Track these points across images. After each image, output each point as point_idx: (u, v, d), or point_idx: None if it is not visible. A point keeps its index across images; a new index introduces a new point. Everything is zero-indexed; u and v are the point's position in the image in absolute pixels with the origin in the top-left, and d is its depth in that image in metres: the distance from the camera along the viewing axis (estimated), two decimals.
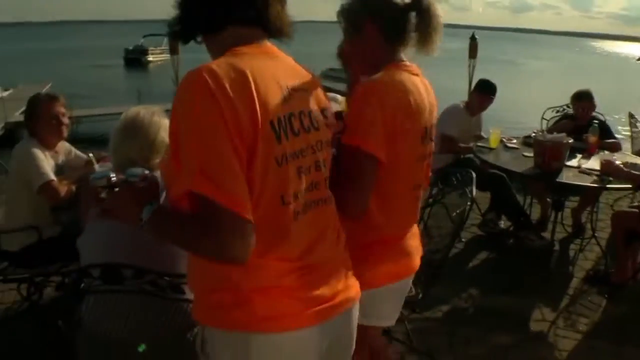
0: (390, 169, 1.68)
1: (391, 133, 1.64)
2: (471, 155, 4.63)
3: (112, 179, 1.40)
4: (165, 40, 46.33)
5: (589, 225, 4.73)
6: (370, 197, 1.68)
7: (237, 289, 1.29)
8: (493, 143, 4.61)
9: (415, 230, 1.96)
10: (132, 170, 1.42)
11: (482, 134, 5.02)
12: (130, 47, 53.37)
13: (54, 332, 2.31)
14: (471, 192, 2.79)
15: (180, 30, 1.38)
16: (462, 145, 4.74)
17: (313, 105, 1.40)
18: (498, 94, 4.83)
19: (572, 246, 4.67)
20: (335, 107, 1.66)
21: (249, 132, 1.19)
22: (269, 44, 1.38)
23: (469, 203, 2.79)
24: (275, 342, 1.32)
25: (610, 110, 7.66)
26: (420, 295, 2.80)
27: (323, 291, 1.38)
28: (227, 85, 1.17)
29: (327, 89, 1.60)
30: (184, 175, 1.17)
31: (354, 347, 1.56)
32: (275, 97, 1.26)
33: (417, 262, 1.94)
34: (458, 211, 2.86)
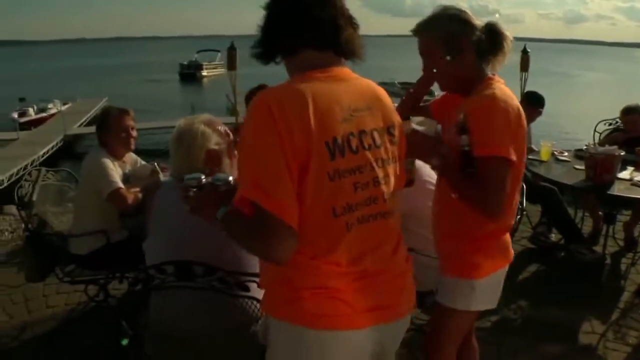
0: (514, 166, 1.89)
1: (514, 136, 1.86)
2: None
3: (202, 181, 1.62)
4: (219, 55, 47.20)
5: None
6: (507, 197, 1.89)
7: (290, 285, 1.44)
8: (544, 156, 4.61)
9: None
10: (218, 175, 1.64)
11: (533, 146, 5.02)
12: (185, 62, 54.71)
13: (118, 332, 2.48)
14: (521, 203, 2.82)
15: (261, 52, 1.53)
16: None
17: (377, 124, 1.52)
18: (551, 106, 4.81)
19: (623, 260, 4.62)
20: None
21: (303, 150, 1.34)
22: (339, 68, 1.51)
23: (518, 215, 2.82)
24: (323, 338, 1.45)
25: None
26: None
27: (373, 298, 1.49)
28: (286, 109, 1.34)
29: None
30: (242, 183, 1.37)
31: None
32: (334, 119, 1.40)
33: (512, 252, 2.16)
34: None
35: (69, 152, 20.32)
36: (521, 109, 1.92)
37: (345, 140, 1.42)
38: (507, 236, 2.12)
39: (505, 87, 1.96)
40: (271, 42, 1.52)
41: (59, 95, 31.02)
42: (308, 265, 1.43)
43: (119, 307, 3.19)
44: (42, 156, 18.39)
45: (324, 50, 1.48)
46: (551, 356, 3.21)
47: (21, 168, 15.38)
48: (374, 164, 1.49)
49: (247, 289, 1.82)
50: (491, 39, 1.95)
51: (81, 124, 24.72)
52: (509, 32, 1.98)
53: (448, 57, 1.93)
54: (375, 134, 1.50)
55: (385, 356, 1.63)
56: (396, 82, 38.55)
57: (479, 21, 1.95)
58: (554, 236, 4.85)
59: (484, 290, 2.07)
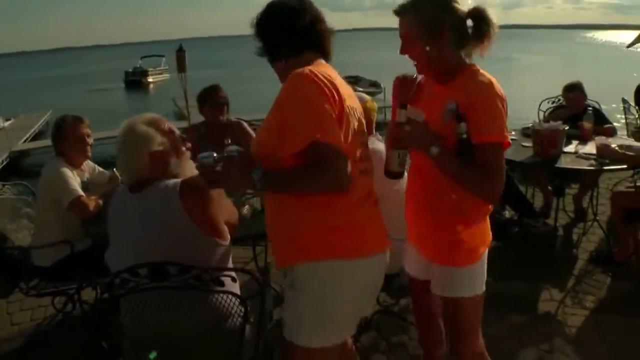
0: None
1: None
2: None
3: (216, 156, 1.77)
4: (164, 60, 46.34)
5: (590, 210, 4.88)
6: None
7: (317, 229, 1.77)
8: None
9: None
10: (230, 148, 1.81)
11: None
12: (130, 70, 53.57)
13: (90, 342, 2.47)
14: None
15: (270, 56, 1.95)
16: None
17: (357, 106, 1.92)
18: (507, 91, 4.98)
19: (575, 230, 4.83)
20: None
21: (338, 110, 1.72)
22: (328, 65, 1.93)
23: None
24: (351, 266, 1.79)
25: (607, 99, 7.82)
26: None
27: (378, 232, 1.91)
28: (322, 79, 1.71)
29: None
30: (299, 135, 1.66)
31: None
32: (346, 92, 1.81)
33: None
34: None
35: (15, 168, 19.70)
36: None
37: (352, 109, 1.81)
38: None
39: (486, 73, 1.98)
40: (282, 46, 1.91)
41: (0, 111, 30.06)
42: (335, 204, 1.76)
43: (91, 315, 3.16)
44: None
45: (316, 53, 1.90)
46: (516, 326, 3.35)
47: None
48: (361, 133, 1.88)
49: (223, 284, 1.85)
50: (475, 25, 1.92)
51: (26, 139, 23.98)
52: (496, 17, 1.92)
53: (427, 43, 1.91)
54: (358, 112, 1.89)
55: (380, 283, 1.98)
56: (342, 76, 38.86)
57: (464, 6, 1.92)
58: (507, 213, 5.03)
59: (482, 271, 2.17)
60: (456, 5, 1.90)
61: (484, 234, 2.15)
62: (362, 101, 2.92)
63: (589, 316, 3.46)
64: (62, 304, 3.36)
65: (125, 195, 2.09)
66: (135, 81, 50.90)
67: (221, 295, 1.90)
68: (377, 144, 2.93)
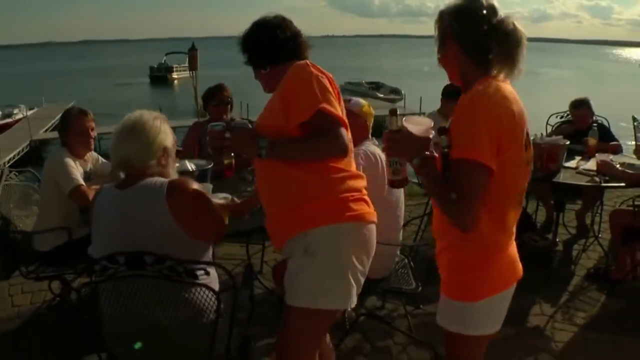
0: (499, 177, 1.73)
1: (497, 142, 1.70)
2: None
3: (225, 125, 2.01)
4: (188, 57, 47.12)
5: (594, 227, 4.87)
6: (481, 208, 1.73)
7: (329, 196, 2.02)
8: None
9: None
10: (237, 121, 2.01)
11: None
12: (155, 65, 54.07)
13: (82, 328, 2.54)
14: None
15: (255, 65, 2.25)
16: None
17: None
18: (525, 104, 5.00)
19: (575, 246, 4.82)
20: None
21: (336, 93, 2.04)
22: None
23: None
24: (359, 228, 2.04)
25: (625, 116, 7.73)
26: (419, 289, 3.01)
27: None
28: (319, 69, 2.06)
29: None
30: (307, 105, 1.94)
31: None
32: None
33: (521, 268, 2.01)
34: None
35: (35, 157, 20.08)
36: (521, 113, 1.79)
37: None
38: (504, 258, 1.93)
39: (504, 86, 1.80)
40: (266, 56, 2.21)
41: (24, 100, 30.54)
42: (337, 179, 2.02)
43: (79, 302, 3.24)
44: (8, 162, 18.15)
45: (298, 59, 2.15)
46: (500, 337, 3.29)
47: None
48: None
49: (196, 277, 1.90)
50: (497, 38, 1.79)
51: (47, 129, 24.42)
52: (521, 29, 1.82)
53: (439, 52, 1.90)
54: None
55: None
56: (363, 81, 39.04)
57: (495, 17, 1.79)
58: None
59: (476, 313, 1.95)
60: (475, 14, 1.79)
61: (482, 271, 1.89)
62: (359, 106, 3.01)
63: (577, 333, 3.45)
64: (58, 289, 3.44)
65: (111, 191, 2.11)
66: (160, 77, 51.45)
67: (196, 288, 1.95)
68: (372, 147, 2.98)
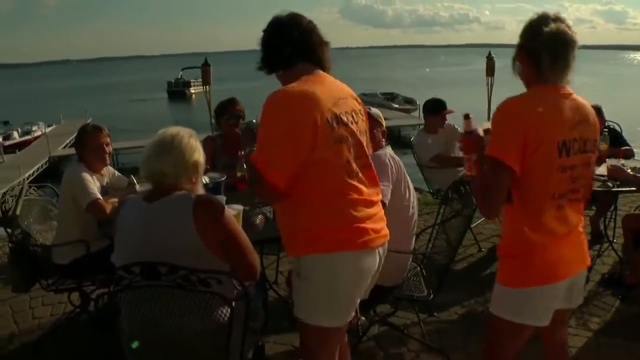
0: (529, 178, 1.93)
1: (523, 143, 1.89)
2: None
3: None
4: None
5: (607, 232, 4.85)
6: (502, 202, 1.96)
7: (320, 227, 2.05)
8: None
9: (569, 239, 2.09)
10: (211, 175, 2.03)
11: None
12: (172, 80, 54.58)
13: (101, 339, 2.60)
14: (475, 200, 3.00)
15: (266, 67, 2.19)
16: (453, 155, 5.06)
17: (352, 107, 2.14)
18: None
19: (589, 252, 4.77)
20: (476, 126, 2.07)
21: (310, 126, 1.94)
22: (321, 73, 2.14)
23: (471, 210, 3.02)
24: (353, 256, 2.07)
25: None
26: (431, 296, 3.04)
27: (366, 226, 2.08)
28: (292, 99, 1.99)
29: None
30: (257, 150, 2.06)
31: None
32: (328, 104, 2.00)
33: (568, 270, 2.09)
34: (461, 211, 3.07)
35: (54, 173, 20.37)
36: (556, 119, 1.94)
37: (339, 117, 2.03)
38: (545, 256, 2.03)
39: (545, 95, 1.97)
40: (274, 59, 2.17)
41: (43, 117, 31.00)
42: (316, 212, 2.05)
43: (98, 313, 3.31)
44: (28, 178, 18.44)
45: (313, 65, 2.13)
46: None
47: (6, 191, 15.39)
48: (356, 133, 2.10)
49: (209, 286, 1.95)
50: (547, 47, 1.96)
51: (66, 145, 24.78)
52: (571, 34, 1.99)
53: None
54: (352, 113, 2.11)
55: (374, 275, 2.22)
56: (378, 92, 39.09)
57: (547, 26, 1.95)
58: None
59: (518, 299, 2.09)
60: (532, 26, 2.01)
61: (519, 261, 2.06)
62: (379, 114, 3.10)
63: (591, 338, 3.44)
64: (78, 300, 3.52)
65: (138, 203, 2.18)
66: (178, 92, 51.95)
67: (209, 297, 1.99)
68: (392, 152, 3.05)
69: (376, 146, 2.91)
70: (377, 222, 2.15)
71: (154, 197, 2.14)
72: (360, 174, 2.10)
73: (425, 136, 5.18)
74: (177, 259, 1.95)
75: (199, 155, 2.23)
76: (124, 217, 2.20)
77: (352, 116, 2.10)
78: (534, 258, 2.02)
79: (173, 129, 2.23)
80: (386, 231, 2.20)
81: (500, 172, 1.91)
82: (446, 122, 5.19)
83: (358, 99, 2.25)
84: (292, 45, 2.10)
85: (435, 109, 5.16)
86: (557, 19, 1.97)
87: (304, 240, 2.08)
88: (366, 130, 2.22)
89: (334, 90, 2.10)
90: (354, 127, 2.09)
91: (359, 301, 2.22)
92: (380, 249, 2.18)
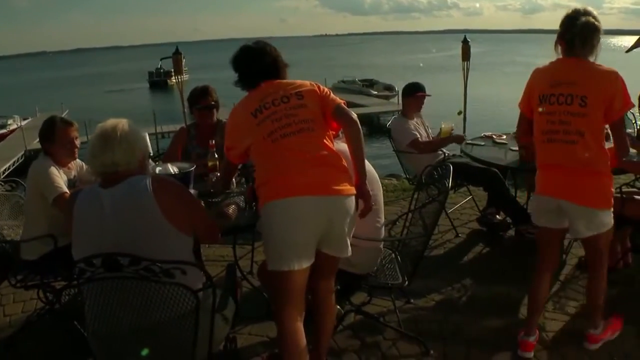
0: (532, 119, 2.96)
1: (528, 95, 2.98)
2: (459, 154, 4.88)
3: None
4: (184, 61, 47.90)
5: None
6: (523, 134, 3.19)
7: (257, 188, 2.58)
8: (443, 134, 5.11)
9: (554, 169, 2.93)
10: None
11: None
12: (153, 70, 54.25)
13: (72, 334, 2.54)
14: (448, 184, 2.98)
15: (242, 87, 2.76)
16: (429, 140, 5.09)
17: (281, 95, 2.61)
18: (515, 95, 5.07)
19: (566, 236, 4.80)
20: None
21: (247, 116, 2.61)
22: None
23: (454, 193, 2.99)
24: (272, 206, 2.46)
25: None
26: (406, 283, 3.01)
27: (310, 179, 2.45)
28: (243, 105, 2.70)
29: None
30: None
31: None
32: (255, 104, 2.64)
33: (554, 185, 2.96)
34: (437, 197, 3.04)
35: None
36: (544, 80, 2.87)
37: (263, 107, 2.61)
38: (540, 174, 3.04)
39: (554, 63, 2.88)
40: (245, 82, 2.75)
41: (18, 110, 30.51)
42: (266, 166, 2.58)
43: (66, 308, 3.24)
44: (4, 172, 18.14)
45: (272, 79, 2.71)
46: (492, 329, 3.36)
47: None
48: (286, 111, 2.58)
49: (173, 276, 1.91)
50: (578, 34, 2.74)
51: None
52: (594, 26, 2.75)
53: None
54: (281, 98, 2.61)
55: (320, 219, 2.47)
56: (357, 79, 39.18)
57: (579, 20, 2.74)
58: (499, 216, 5.03)
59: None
60: (566, 21, 2.81)
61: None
62: None
63: (568, 322, 3.45)
64: (45, 297, 3.44)
65: (93, 191, 2.17)
66: (159, 82, 51.61)
67: (173, 287, 1.96)
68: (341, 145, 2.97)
69: None
70: (314, 175, 2.44)
71: (109, 183, 2.16)
72: (290, 137, 2.50)
73: (402, 120, 5.14)
74: (144, 240, 2.05)
75: (144, 141, 2.33)
76: (81, 206, 2.18)
77: (277, 100, 2.59)
78: (537, 177, 3.05)
79: (111, 121, 2.26)
80: (337, 184, 2.46)
81: (520, 114, 3.10)
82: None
83: (303, 86, 2.68)
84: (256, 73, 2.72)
85: (411, 90, 5.15)
86: (587, 13, 2.75)
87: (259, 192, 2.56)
88: (304, 104, 2.61)
89: (264, 93, 2.65)
90: (276, 107, 2.57)
91: (308, 248, 2.49)
92: (330, 198, 2.44)
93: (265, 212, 2.48)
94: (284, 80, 2.73)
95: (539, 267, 3.20)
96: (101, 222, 2.09)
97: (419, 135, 4.95)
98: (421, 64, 61.91)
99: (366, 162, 2.70)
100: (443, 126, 5.12)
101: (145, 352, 2.04)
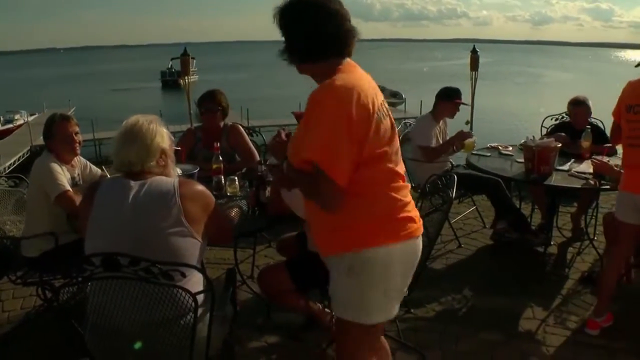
0: None
1: (619, 106, 3.38)
2: (464, 165, 4.84)
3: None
4: (194, 62, 48.12)
5: (587, 230, 4.84)
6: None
7: (371, 218, 1.96)
8: (467, 149, 4.86)
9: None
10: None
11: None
12: (166, 70, 54.64)
13: (71, 332, 2.53)
14: (452, 194, 2.95)
15: (296, 59, 2.02)
16: (435, 146, 4.88)
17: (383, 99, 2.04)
18: (522, 106, 4.96)
19: (570, 249, 4.78)
20: None
21: (364, 122, 1.85)
22: (351, 61, 2.03)
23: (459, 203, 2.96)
24: (403, 247, 2.02)
25: None
26: (407, 292, 2.98)
27: (411, 214, 2.06)
28: (349, 92, 1.83)
29: None
30: (306, 150, 1.86)
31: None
32: (373, 92, 1.94)
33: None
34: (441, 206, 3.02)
35: None
36: (628, 88, 3.30)
37: (380, 111, 1.94)
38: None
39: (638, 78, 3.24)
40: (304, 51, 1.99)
41: (26, 106, 30.63)
42: (378, 194, 2.00)
43: (65, 306, 3.23)
44: (9, 167, 18.19)
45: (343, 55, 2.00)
46: (491, 342, 3.33)
47: None
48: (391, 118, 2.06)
49: (172, 278, 1.90)
50: None
51: None
52: None
53: None
54: (383, 106, 2.01)
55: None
56: None
57: None
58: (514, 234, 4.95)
59: None
60: None
61: None
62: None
63: (569, 337, 3.41)
64: (43, 294, 3.44)
65: (119, 181, 2.19)
66: (171, 81, 52.08)
67: (172, 290, 1.96)
68: None
69: None
70: (415, 210, 2.11)
71: (136, 176, 2.18)
72: (397, 160, 2.05)
73: (429, 121, 5.01)
74: (158, 239, 2.05)
75: (161, 139, 2.26)
76: (104, 193, 2.19)
77: (385, 111, 2.02)
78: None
79: (133, 118, 2.26)
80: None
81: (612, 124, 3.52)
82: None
83: None
84: (332, 36, 1.96)
85: (450, 95, 4.99)
86: None
87: (357, 235, 1.97)
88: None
89: (370, 80, 2.03)
90: (390, 121, 2.04)
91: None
92: (420, 237, 2.12)
93: (384, 256, 2.00)
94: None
95: (616, 255, 3.55)
96: (121, 213, 2.09)
97: (433, 144, 4.88)
98: (425, 69, 61.88)
99: None
100: (467, 141, 4.86)
101: (138, 345, 2.02)
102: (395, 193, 2.00)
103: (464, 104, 5.07)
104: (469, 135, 4.84)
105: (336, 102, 1.81)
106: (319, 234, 2.12)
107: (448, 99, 4.98)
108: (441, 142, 4.96)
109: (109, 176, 3.35)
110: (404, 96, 34.21)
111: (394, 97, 36.19)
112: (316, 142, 1.83)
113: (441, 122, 5.07)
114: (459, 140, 4.81)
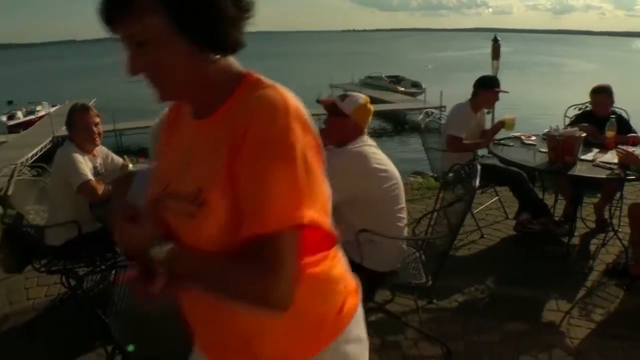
0: None
1: None
2: (487, 154, 4.77)
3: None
4: None
5: (612, 221, 4.76)
6: None
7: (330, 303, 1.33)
8: (509, 127, 4.75)
9: None
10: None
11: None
12: None
13: (95, 319, 2.56)
14: (475, 183, 2.91)
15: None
16: (467, 142, 4.72)
17: None
18: (546, 96, 4.87)
19: (594, 241, 4.71)
20: None
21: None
22: None
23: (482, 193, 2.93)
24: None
25: None
26: (430, 283, 2.97)
27: None
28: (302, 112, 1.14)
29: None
30: (275, 213, 1.04)
31: None
32: None
33: None
34: (462, 197, 2.99)
35: None
36: None
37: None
38: None
39: None
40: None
41: (47, 97, 30.96)
42: (333, 268, 1.36)
43: (90, 294, 3.28)
44: (31, 158, 18.45)
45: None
46: (514, 332, 3.30)
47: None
48: None
49: None
50: None
51: None
52: None
53: None
54: None
55: None
56: (383, 75, 39.00)
57: None
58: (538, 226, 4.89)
59: None
60: None
61: None
62: (351, 106, 2.83)
63: (594, 329, 3.36)
64: (67, 282, 3.47)
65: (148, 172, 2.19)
66: None
67: None
68: (358, 148, 2.84)
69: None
70: None
71: None
72: None
73: (467, 111, 4.83)
74: None
75: None
76: (135, 186, 2.26)
77: None
78: None
79: None
80: None
81: None
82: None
83: None
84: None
85: (491, 84, 4.85)
86: None
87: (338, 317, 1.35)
88: None
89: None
90: None
91: None
92: None
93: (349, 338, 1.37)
94: None
95: None
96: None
97: (464, 136, 4.72)
98: (429, 66, 61.31)
99: (387, 160, 2.71)
100: (507, 118, 4.78)
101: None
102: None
103: (504, 91, 4.89)
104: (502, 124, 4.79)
105: (295, 125, 1.08)
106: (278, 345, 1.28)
107: (488, 87, 4.83)
108: (478, 135, 4.88)
109: (130, 166, 3.37)
110: (424, 86, 33.98)
111: (414, 87, 35.97)
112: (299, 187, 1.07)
113: (479, 113, 4.92)
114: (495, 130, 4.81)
